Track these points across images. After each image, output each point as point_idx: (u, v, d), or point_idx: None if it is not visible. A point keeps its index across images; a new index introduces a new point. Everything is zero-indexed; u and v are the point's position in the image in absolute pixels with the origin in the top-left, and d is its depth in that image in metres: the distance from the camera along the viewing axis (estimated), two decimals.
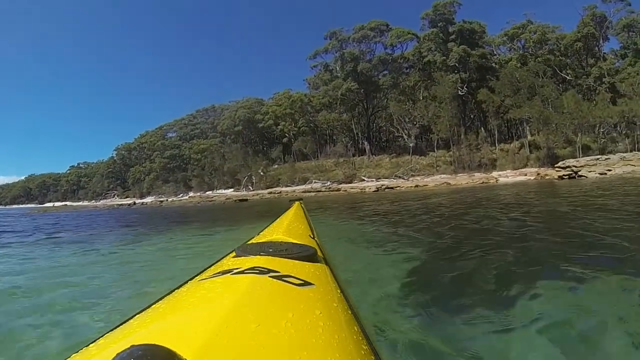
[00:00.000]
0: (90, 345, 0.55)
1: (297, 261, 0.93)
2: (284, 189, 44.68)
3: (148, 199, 59.49)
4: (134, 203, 52.17)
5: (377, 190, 32.25)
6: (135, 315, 0.65)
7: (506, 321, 2.31)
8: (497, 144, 40.82)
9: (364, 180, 42.37)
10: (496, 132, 41.01)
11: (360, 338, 0.63)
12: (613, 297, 2.69)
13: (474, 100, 42.72)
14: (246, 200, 35.97)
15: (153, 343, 0.43)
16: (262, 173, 51.56)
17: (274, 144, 56.54)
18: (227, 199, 41.62)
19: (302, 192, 39.71)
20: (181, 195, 58.51)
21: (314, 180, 45.89)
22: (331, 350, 0.53)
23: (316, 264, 0.99)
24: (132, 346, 0.41)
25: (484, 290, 3.01)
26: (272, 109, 55.22)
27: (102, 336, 0.57)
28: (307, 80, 54.60)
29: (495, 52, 47.59)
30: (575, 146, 35.37)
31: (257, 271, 0.77)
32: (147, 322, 0.59)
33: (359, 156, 47.55)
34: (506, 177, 33.95)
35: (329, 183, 43.87)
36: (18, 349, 2.39)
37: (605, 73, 40.81)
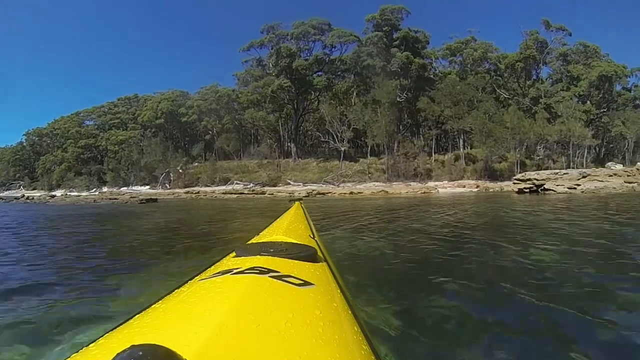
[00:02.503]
0: (90, 345, 0.51)
1: (297, 261, 0.87)
2: (202, 188, 37.77)
3: (57, 192, 48.27)
4: (23, 196, 40.76)
5: (308, 196, 27.31)
6: (135, 315, 0.62)
7: None
8: (433, 154, 35.91)
9: (290, 184, 36.21)
10: (434, 142, 35.68)
11: (360, 338, 0.61)
12: None
13: (412, 108, 37.38)
14: (156, 200, 27.13)
15: (153, 343, 0.41)
16: (180, 170, 43.10)
17: (197, 141, 47.88)
18: (131, 197, 32.21)
19: (222, 193, 33.65)
20: (94, 190, 47.79)
21: (235, 181, 38.80)
22: (331, 351, 0.50)
23: (316, 264, 0.93)
24: (132, 346, 0.39)
25: None
26: (197, 103, 47.15)
27: (102, 336, 0.54)
28: (237, 76, 47.20)
29: (434, 65, 44.31)
30: (511, 161, 33.90)
31: (257, 271, 0.73)
32: (147, 322, 0.56)
33: (284, 158, 40.43)
34: (444, 188, 30.57)
35: (251, 185, 36.96)
36: None
37: (543, 94, 39.29)
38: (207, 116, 46.26)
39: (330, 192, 30.40)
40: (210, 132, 46.22)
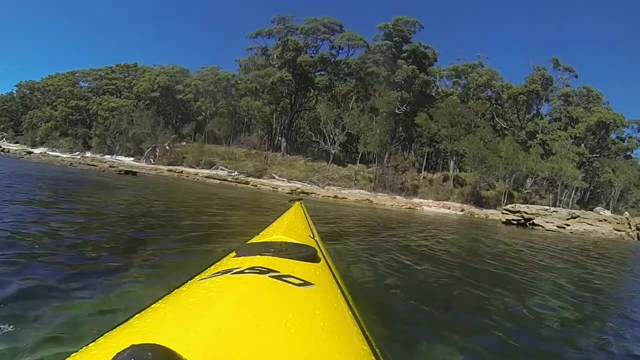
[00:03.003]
0: (90, 344, 0.51)
1: (297, 261, 0.87)
2: (186, 169, 36.30)
3: (38, 150, 46.35)
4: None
5: (291, 193, 26.61)
6: (135, 315, 0.61)
7: None
8: (423, 171, 35.24)
9: (274, 178, 34.92)
10: (425, 159, 34.80)
11: (360, 338, 0.60)
12: None
13: (408, 122, 36.50)
14: (135, 174, 25.64)
15: (153, 343, 0.41)
16: (167, 147, 41.55)
17: (189, 120, 46.41)
18: (111, 166, 30.69)
19: (206, 176, 32.38)
20: (77, 153, 45.99)
21: (220, 167, 37.40)
22: (331, 350, 0.50)
23: (316, 264, 0.93)
24: (132, 346, 0.39)
25: None
26: (196, 83, 45.68)
27: (102, 336, 0.54)
28: (239, 62, 45.56)
29: (437, 83, 43.48)
30: (499, 190, 33.46)
31: (257, 271, 0.72)
32: (147, 322, 0.56)
33: (272, 152, 39.19)
34: (428, 206, 30.02)
35: (236, 173, 35.86)
36: None
37: (540, 130, 39.05)
38: (203, 97, 44.91)
39: (314, 193, 29.32)
40: (204, 114, 44.83)
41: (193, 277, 0.81)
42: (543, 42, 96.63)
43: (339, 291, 0.80)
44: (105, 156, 44.13)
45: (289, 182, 33.32)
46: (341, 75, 40.88)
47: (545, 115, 41.81)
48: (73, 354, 0.48)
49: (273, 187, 29.88)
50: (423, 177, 34.88)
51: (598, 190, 40.47)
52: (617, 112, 39.93)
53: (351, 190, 32.51)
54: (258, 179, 33.73)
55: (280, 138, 40.64)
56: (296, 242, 1.14)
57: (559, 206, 29.06)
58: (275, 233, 1.27)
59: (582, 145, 38.54)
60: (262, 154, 37.99)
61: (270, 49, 42.56)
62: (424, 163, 36.17)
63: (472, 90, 41.47)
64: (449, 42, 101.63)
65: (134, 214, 5.78)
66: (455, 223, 16.49)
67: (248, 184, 31.08)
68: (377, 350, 0.58)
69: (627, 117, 40.97)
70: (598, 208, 28.64)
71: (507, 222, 22.22)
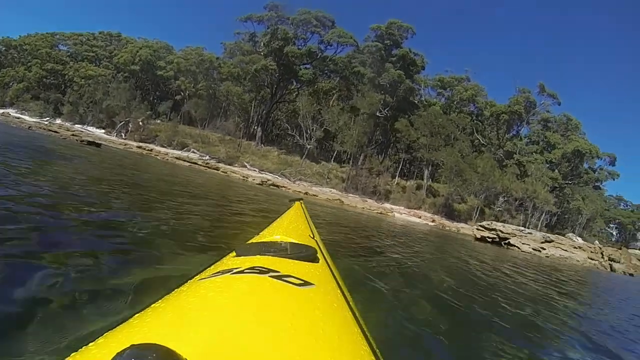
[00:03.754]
0: (90, 344, 0.50)
1: (297, 261, 0.86)
2: (157, 147, 34.29)
3: (9, 110, 43.39)
4: None
5: (262, 184, 25.31)
6: (135, 315, 0.60)
7: None
8: (397, 177, 34.07)
9: (246, 167, 33.31)
10: (401, 166, 33.83)
11: (360, 338, 0.59)
12: None
13: (387, 127, 35.43)
14: (99, 146, 23.40)
15: (153, 343, 0.40)
16: (141, 123, 39.34)
17: (166, 99, 44.10)
18: (73, 135, 28.35)
19: (176, 157, 30.25)
20: (47, 119, 43.12)
21: (192, 149, 35.37)
22: (331, 350, 0.49)
23: (316, 264, 0.92)
24: (132, 346, 0.38)
25: None
26: (178, 61, 43.32)
27: (102, 336, 0.53)
28: (225, 45, 43.54)
29: (421, 92, 42.71)
30: (471, 205, 32.99)
31: (257, 271, 0.71)
32: (147, 322, 0.55)
33: (247, 140, 37.37)
34: (400, 213, 29.09)
35: (207, 157, 33.96)
36: None
37: (518, 151, 38.77)
38: (184, 76, 42.71)
39: (284, 186, 27.97)
40: (182, 94, 42.69)
41: (193, 277, 0.78)
42: (530, 66, 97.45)
43: (339, 291, 0.78)
44: (76, 125, 41.46)
45: (260, 173, 31.78)
46: (326, 72, 39.46)
47: (524, 137, 41.66)
48: (73, 354, 0.46)
49: (243, 176, 28.41)
50: (396, 183, 33.90)
51: (566, 216, 40.55)
52: (593, 144, 40.24)
53: (322, 188, 31.25)
54: (229, 166, 32.18)
55: (256, 127, 38.94)
56: (296, 242, 1.11)
57: (528, 227, 28.53)
58: (275, 233, 1.24)
59: (556, 170, 38.64)
60: (236, 141, 36.24)
61: (258, 36, 40.80)
62: (399, 169, 35.17)
63: (455, 103, 40.91)
64: (439, 52, 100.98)
65: (55, 192, 4.13)
66: (430, 235, 15.74)
67: (218, 170, 29.45)
68: (377, 350, 0.57)
69: (601, 150, 41.22)
70: (570, 234, 28.43)
71: (482, 239, 21.58)
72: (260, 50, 39.54)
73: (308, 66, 38.79)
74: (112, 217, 3.53)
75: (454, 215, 31.97)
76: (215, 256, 1.00)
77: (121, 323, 0.56)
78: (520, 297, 4.72)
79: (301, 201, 2.51)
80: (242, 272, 0.70)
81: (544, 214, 35.73)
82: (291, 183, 30.65)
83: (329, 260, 1.07)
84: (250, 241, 1.19)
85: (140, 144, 34.26)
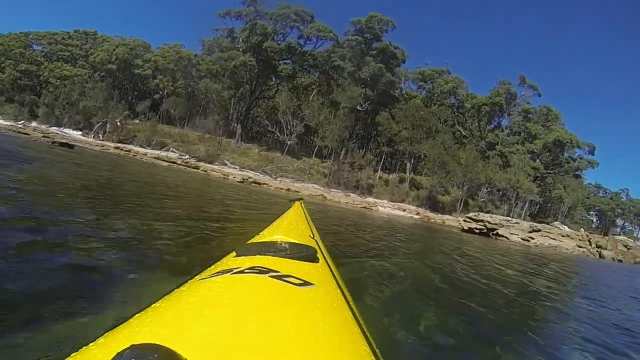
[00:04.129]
0: (90, 344, 0.49)
1: (297, 261, 0.86)
2: (136, 148, 33.33)
3: None
4: None
5: (243, 182, 24.69)
6: (135, 315, 0.60)
7: None
8: (379, 171, 33.69)
9: (226, 164, 32.58)
10: (382, 159, 33.27)
11: (360, 338, 0.59)
12: None
13: (368, 121, 34.79)
14: (72, 147, 22.21)
15: (153, 343, 0.40)
16: (119, 123, 38.05)
17: (145, 98, 42.80)
18: (44, 136, 27.04)
19: (155, 157, 29.41)
20: (22, 122, 41.42)
21: (172, 149, 34.38)
22: (331, 350, 0.49)
23: (316, 264, 0.91)
24: (132, 346, 0.38)
25: None
26: (156, 59, 42.00)
27: (102, 336, 0.52)
28: (204, 42, 42.29)
29: (402, 85, 42.15)
30: (454, 196, 32.69)
31: (257, 271, 0.71)
32: (147, 322, 0.54)
33: (226, 138, 36.50)
34: (383, 206, 28.56)
35: (187, 156, 32.99)
36: None
37: (500, 142, 38.56)
38: (162, 75, 41.47)
39: (266, 184, 27.35)
40: (161, 92, 41.50)
41: (193, 277, 0.77)
42: (511, 58, 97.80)
43: (339, 291, 0.77)
44: (52, 128, 39.96)
45: (241, 171, 31.04)
46: (305, 66, 38.70)
47: (506, 129, 41.50)
48: (73, 354, 0.46)
49: (224, 175, 27.63)
50: (379, 177, 33.39)
51: (548, 205, 40.68)
52: (573, 133, 40.31)
53: (304, 184, 30.63)
54: (209, 165, 31.45)
55: (236, 124, 38.01)
56: (296, 242, 1.10)
57: (512, 217, 28.28)
58: (275, 233, 1.23)
59: (538, 160, 38.67)
60: (216, 139, 35.35)
61: (237, 32, 39.84)
62: (381, 163, 34.69)
63: (436, 95, 40.57)
64: (420, 46, 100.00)
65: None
66: (416, 228, 15.28)
67: (198, 169, 28.81)
68: (377, 350, 0.57)
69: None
70: (556, 223, 28.41)
71: (469, 230, 21.29)
72: (239, 46, 38.59)
73: (287, 61, 37.96)
74: (50, 233, 2.67)
75: (438, 207, 31.65)
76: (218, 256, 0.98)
77: (121, 323, 0.55)
78: (520, 290, 4.47)
79: (301, 201, 2.46)
80: (242, 272, 0.69)
81: (527, 204, 35.72)
82: (272, 180, 29.96)
83: (329, 260, 1.05)
84: (250, 241, 1.17)
85: (118, 144, 33.18)
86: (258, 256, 0.83)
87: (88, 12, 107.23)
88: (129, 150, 31.13)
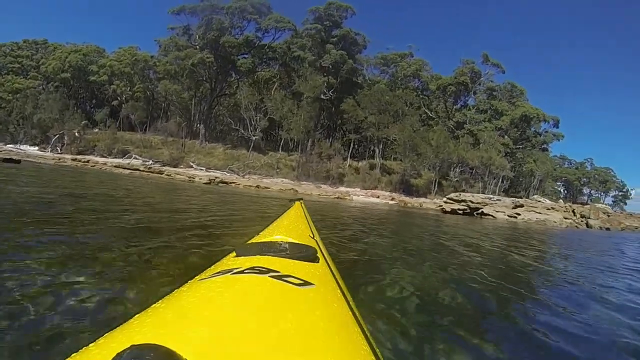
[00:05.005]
0: (90, 345, 0.48)
1: (297, 261, 0.84)
2: (95, 158, 31.00)
3: None
4: None
5: (210, 183, 23.21)
6: (135, 315, 0.58)
7: None
8: (348, 159, 32.42)
9: (192, 167, 30.71)
10: (351, 147, 31.94)
11: (361, 338, 0.58)
12: None
13: (333, 109, 33.36)
14: (18, 162, 19.83)
15: (153, 343, 0.40)
16: (77, 134, 35.44)
17: (103, 105, 40.04)
18: None
19: (115, 166, 27.45)
20: None
21: (134, 155, 32.19)
22: (331, 351, 0.48)
23: (316, 264, 0.89)
24: (132, 346, 0.38)
25: None
26: (111, 64, 39.20)
27: (102, 336, 0.51)
28: (159, 42, 39.77)
29: (364, 72, 40.94)
30: (426, 178, 31.68)
31: (257, 271, 0.70)
32: (147, 322, 0.53)
33: (190, 139, 34.45)
34: (357, 195, 27.22)
35: (151, 162, 30.88)
36: None
37: (468, 121, 37.90)
38: (119, 79, 38.85)
39: (234, 182, 25.78)
40: (119, 98, 38.94)
41: (193, 277, 0.76)
42: (474, 38, 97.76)
43: (339, 291, 0.76)
44: (7, 145, 36.94)
45: (208, 171, 29.27)
46: (265, 60, 36.90)
47: (472, 107, 40.82)
48: (73, 354, 0.45)
49: (189, 177, 25.88)
50: (348, 165, 32.20)
51: (520, 179, 40.40)
52: (539, 108, 40.08)
53: (274, 179, 29.13)
54: (174, 168, 29.48)
55: (198, 125, 35.94)
56: (296, 242, 1.08)
57: (487, 194, 27.63)
58: (275, 233, 1.20)
59: (506, 136, 38.31)
60: (180, 142, 33.26)
61: (193, 29, 37.58)
62: (349, 151, 33.48)
63: (399, 79, 39.54)
64: (381, 31, 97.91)
65: None
66: (396, 214, 14.52)
67: (162, 174, 26.74)
68: (377, 350, 0.56)
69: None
70: (535, 196, 27.93)
71: (452, 212, 20.50)
72: (196, 43, 36.46)
73: (246, 56, 36.08)
74: None
75: (412, 191, 30.71)
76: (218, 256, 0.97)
77: (121, 323, 0.54)
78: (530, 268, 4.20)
79: (301, 201, 2.42)
80: (242, 272, 0.68)
81: (500, 180, 35.36)
82: (240, 178, 28.36)
83: (329, 260, 1.02)
84: (250, 241, 1.14)
85: (77, 156, 30.77)
86: (258, 256, 0.80)
87: (35, 20, 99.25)
88: (87, 161, 28.86)
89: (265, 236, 1.20)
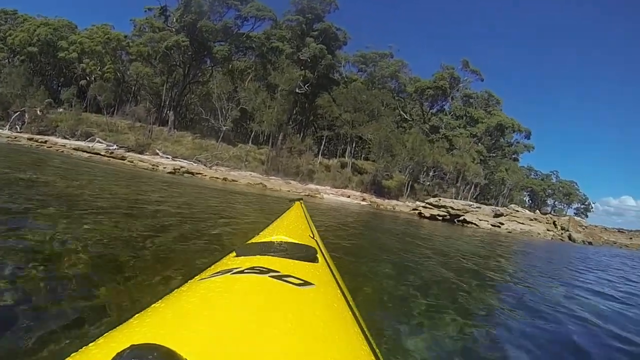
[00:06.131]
0: (90, 344, 0.47)
1: (297, 261, 0.82)
2: (56, 139, 27.92)
3: None
4: None
5: (174, 173, 21.25)
6: (135, 315, 0.57)
7: None
8: (319, 156, 31.17)
9: (158, 154, 28.28)
10: (323, 144, 30.31)
11: (361, 338, 0.57)
12: None
13: (307, 105, 31.51)
14: None
15: (153, 343, 0.39)
16: (39, 112, 32.30)
17: (70, 85, 36.82)
18: None
19: (74, 148, 24.52)
20: None
21: (98, 139, 29.35)
22: (331, 351, 0.47)
23: (316, 264, 0.87)
24: (132, 346, 0.37)
25: None
26: (82, 40, 35.88)
27: (102, 336, 0.50)
28: (135, 22, 36.80)
29: (342, 69, 39.55)
30: (398, 180, 30.28)
31: (257, 271, 0.69)
32: (147, 322, 0.52)
33: (159, 126, 32.09)
34: (327, 193, 25.92)
35: (115, 147, 28.16)
36: None
37: (444, 126, 37.22)
38: (89, 58, 35.68)
39: (201, 173, 23.87)
40: (88, 78, 35.92)
41: (193, 277, 0.75)
42: (457, 44, 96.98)
43: (339, 291, 0.74)
44: None
45: (174, 160, 27.19)
46: (242, 49, 34.65)
47: (449, 113, 40.13)
48: (73, 354, 0.44)
49: (153, 165, 23.74)
50: (319, 163, 30.64)
51: (491, 187, 39.74)
52: (514, 118, 39.75)
53: (241, 172, 27.26)
54: (139, 155, 27.12)
55: (168, 111, 33.36)
56: (296, 242, 1.05)
57: (460, 199, 26.93)
58: (275, 233, 1.16)
59: (480, 144, 37.81)
60: (147, 127, 30.75)
61: (170, 10, 34.77)
62: (321, 148, 32.05)
63: (376, 79, 38.23)
64: (362, 30, 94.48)
65: None
66: (371, 217, 13.68)
67: (124, 160, 24.44)
68: (377, 350, 0.55)
69: None
70: (513, 205, 27.11)
71: (432, 217, 19.25)
72: (172, 26, 33.81)
73: (223, 43, 33.70)
74: None
75: (383, 192, 29.50)
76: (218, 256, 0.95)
77: (121, 323, 0.53)
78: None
79: (301, 201, 2.30)
80: (242, 272, 0.67)
81: (473, 187, 34.73)
82: (207, 169, 26.46)
83: (329, 260, 1.01)
84: (250, 241, 1.12)
85: (35, 136, 27.85)
86: (258, 256, 0.79)
87: None
88: (45, 142, 26.07)
89: (265, 236, 1.16)
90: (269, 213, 6.99)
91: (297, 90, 30.68)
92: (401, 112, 36.80)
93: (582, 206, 56.96)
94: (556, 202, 56.10)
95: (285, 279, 0.63)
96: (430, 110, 38.76)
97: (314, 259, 0.86)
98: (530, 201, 52.33)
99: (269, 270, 0.66)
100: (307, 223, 1.58)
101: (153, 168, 22.63)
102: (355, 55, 39.13)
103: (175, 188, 10.27)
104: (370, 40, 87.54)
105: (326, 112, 29.55)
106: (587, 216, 55.10)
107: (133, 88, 35.15)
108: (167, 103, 34.41)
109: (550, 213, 32.44)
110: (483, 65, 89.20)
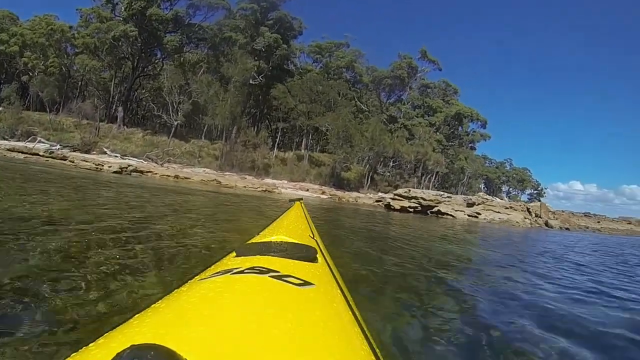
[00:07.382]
0: (90, 344, 0.46)
1: (297, 261, 0.81)
2: None
3: None
4: None
5: (120, 172, 19.14)
6: (135, 315, 0.56)
7: None
8: (275, 149, 29.63)
9: (106, 153, 25.69)
10: (278, 136, 28.53)
11: (361, 338, 0.56)
12: None
13: (260, 96, 29.55)
14: None
15: (153, 343, 0.38)
16: None
17: (12, 81, 33.14)
18: None
19: (8, 149, 21.65)
20: None
21: (40, 139, 26.48)
22: (331, 351, 0.46)
23: (316, 264, 0.86)
24: (132, 346, 0.36)
25: None
26: (24, 32, 32.19)
27: (102, 336, 0.49)
28: (81, 12, 33.27)
29: (296, 60, 37.70)
30: (357, 172, 29.18)
31: (257, 271, 0.67)
32: (147, 322, 0.51)
33: (108, 123, 29.41)
34: (284, 188, 24.45)
35: (58, 146, 25.37)
36: None
37: (402, 115, 36.38)
38: (32, 52, 32.06)
39: (150, 172, 21.76)
40: (30, 74, 32.33)
41: (193, 277, 0.73)
42: (414, 33, 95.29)
43: (339, 291, 0.73)
44: None
45: (123, 159, 24.88)
46: (194, 40, 32.35)
47: (407, 102, 39.20)
48: (73, 354, 0.43)
49: (97, 165, 21.22)
50: (275, 156, 29.22)
51: (451, 176, 39.46)
52: (472, 107, 39.48)
53: (195, 169, 25.34)
54: (84, 154, 24.39)
55: (117, 108, 30.44)
56: (296, 242, 1.04)
57: (422, 189, 25.80)
58: (275, 233, 1.15)
59: (439, 133, 37.26)
60: (94, 125, 28.08)
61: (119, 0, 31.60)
62: (276, 141, 30.56)
63: (332, 69, 36.66)
64: (317, 20, 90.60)
65: None
66: (335, 210, 12.85)
67: (65, 160, 21.64)
68: (377, 350, 0.54)
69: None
70: (480, 194, 26.51)
71: (402, 210, 17.91)
72: (120, 15, 30.86)
73: (174, 33, 31.24)
74: None
75: (343, 185, 28.40)
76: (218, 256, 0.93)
77: (121, 323, 0.52)
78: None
79: (301, 201, 2.34)
80: (242, 272, 0.65)
81: (434, 176, 34.19)
82: (158, 167, 24.54)
83: (329, 260, 1.00)
84: (250, 241, 1.10)
85: None
86: (258, 256, 0.77)
87: None
88: None
89: (265, 236, 1.14)
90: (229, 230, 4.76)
91: (251, 82, 28.96)
92: (358, 103, 35.71)
93: (535, 192, 58.04)
94: (510, 189, 57.04)
95: (285, 279, 0.62)
96: (388, 101, 37.82)
97: (314, 259, 0.84)
98: (486, 188, 52.74)
99: (269, 270, 0.65)
100: (307, 223, 1.56)
101: (97, 168, 20.22)
102: (310, 45, 37.61)
103: (108, 192, 7.92)
104: (327, 30, 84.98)
105: (281, 103, 27.91)
106: (540, 201, 56.30)
107: (80, 83, 32.08)
108: (116, 99, 31.80)
109: (504, 198, 32.17)
110: (441, 55, 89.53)
